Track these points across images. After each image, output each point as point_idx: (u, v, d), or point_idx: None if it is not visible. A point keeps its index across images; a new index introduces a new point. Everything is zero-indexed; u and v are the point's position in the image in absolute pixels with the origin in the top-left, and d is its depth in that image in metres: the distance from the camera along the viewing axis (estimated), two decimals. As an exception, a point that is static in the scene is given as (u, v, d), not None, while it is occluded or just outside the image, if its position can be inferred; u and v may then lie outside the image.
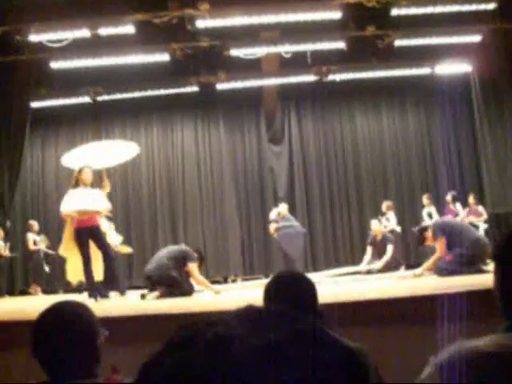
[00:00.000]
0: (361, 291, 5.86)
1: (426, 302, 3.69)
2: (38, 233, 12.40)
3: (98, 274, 7.41)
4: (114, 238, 9.91)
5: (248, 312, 0.64)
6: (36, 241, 12.21)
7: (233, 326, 0.60)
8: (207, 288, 8.18)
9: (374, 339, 3.50)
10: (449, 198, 11.88)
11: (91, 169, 7.70)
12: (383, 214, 12.14)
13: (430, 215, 11.85)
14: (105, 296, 7.34)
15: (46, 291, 12.03)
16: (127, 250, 10.81)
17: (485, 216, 11.78)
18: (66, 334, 1.80)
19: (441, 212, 11.88)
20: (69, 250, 7.58)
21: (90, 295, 7.24)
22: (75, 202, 7.46)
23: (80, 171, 7.56)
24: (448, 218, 10.49)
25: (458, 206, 11.72)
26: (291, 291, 2.01)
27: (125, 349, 3.47)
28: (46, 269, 12.22)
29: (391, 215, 12.02)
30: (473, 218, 11.58)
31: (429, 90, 13.42)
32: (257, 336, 0.58)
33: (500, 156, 12.20)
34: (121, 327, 3.68)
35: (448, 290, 4.21)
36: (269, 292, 2.06)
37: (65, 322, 1.82)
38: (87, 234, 7.39)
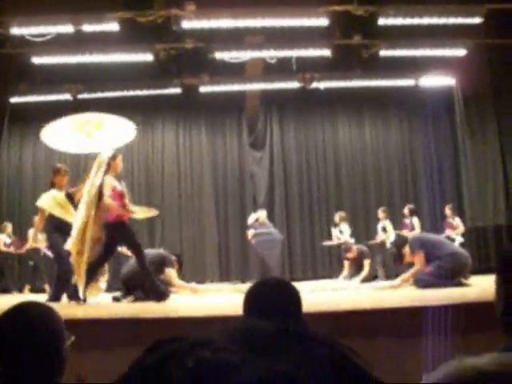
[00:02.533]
0: (342, 301, 5.77)
1: (409, 315, 3.60)
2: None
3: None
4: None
5: (240, 329, 0.53)
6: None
7: (223, 350, 0.48)
8: (185, 289, 8.13)
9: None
10: (406, 211, 11.64)
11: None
12: (336, 225, 12.07)
13: (384, 229, 11.70)
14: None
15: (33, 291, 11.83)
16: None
17: (461, 229, 11.61)
18: (28, 337, 1.66)
19: (397, 226, 11.71)
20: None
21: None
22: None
23: (114, 158, 6.97)
24: (423, 232, 10.39)
25: (415, 220, 11.48)
26: (273, 298, 1.90)
27: (94, 354, 3.35)
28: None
29: (344, 227, 11.94)
30: (448, 231, 11.45)
31: (412, 102, 13.44)
32: (258, 365, 0.46)
33: (481, 170, 12.24)
34: (90, 330, 3.55)
35: (429, 302, 4.14)
36: (249, 299, 1.95)
37: (28, 325, 1.68)
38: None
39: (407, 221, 11.51)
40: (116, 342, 3.51)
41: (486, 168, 12.25)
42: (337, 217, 12.05)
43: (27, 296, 11.02)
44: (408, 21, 10.11)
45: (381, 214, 11.84)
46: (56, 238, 7.33)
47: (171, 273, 8.04)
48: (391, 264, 10.82)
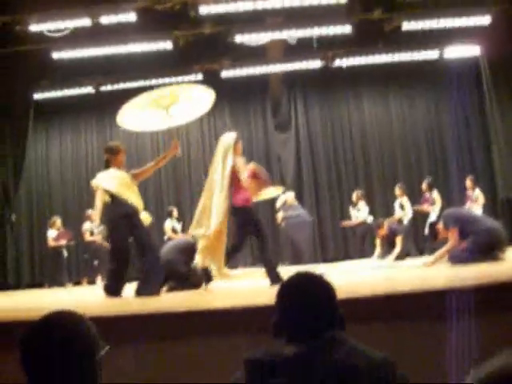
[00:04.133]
0: (372, 284, 5.70)
1: (437, 297, 3.50)
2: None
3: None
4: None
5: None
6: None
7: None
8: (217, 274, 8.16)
9: (385, 336, 3.34)
10: (424, 185, 11.31)
11: None
12: (354, 205, 11.89)
13: (401, 206, 11.45)
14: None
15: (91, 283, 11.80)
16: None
17: (481, 200, 11.16)
18: (60, 349, 1.60)
19: (417, 201, 11.46)
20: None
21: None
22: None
23: (237, 141, 6.71)
24: (457, 207, 10.17)
25: (435, 193, 11.18)
26: (307, 295, 1.84)
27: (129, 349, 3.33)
28: (95, 262, 11.83)
29: (362, 205, 11.75)
30: (468, 203, 11.05)
31: (437, 74, 13.14)
32: None
33: (511, 138, 11.97)
34: (122, 326, 3.52)
35: (462, 282, 4.05)
36: (282, 295, 1.89)
37: (59, 336, 1.62)
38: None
39: (427, 195, 11.29)
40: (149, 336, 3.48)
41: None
42: (354, 196, 11.88)
43: (84, 289, 11.11)
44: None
45: (398, 191, 11.58)
46: (121, 226, 6.48)
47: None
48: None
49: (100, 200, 6.63)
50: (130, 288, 6.62)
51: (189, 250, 7.77)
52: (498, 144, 12.17)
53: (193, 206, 13.42)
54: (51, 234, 11.89)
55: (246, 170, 6.50)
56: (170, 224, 11.44)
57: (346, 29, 10.76)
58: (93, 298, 7.36)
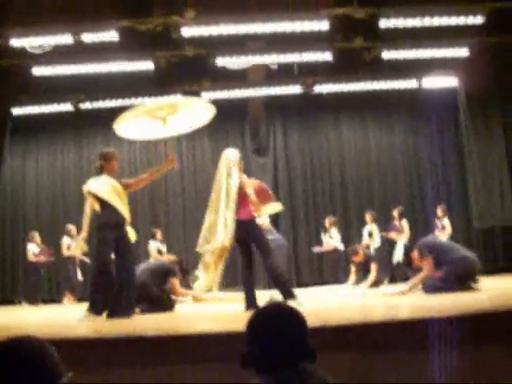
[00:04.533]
0: (347, 311, 5.67)
1: (416, 327, 3.50)
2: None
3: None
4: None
5: None
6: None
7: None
8: (186, 296, 8.19)
9: (360, 366, 3.31)
10: (395, 213, 11.47)
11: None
12: (326, 231, 11.92)
13: (370, 234, 11.51)
14: None
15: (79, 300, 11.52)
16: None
17: (448, 230, 11.33)
18: (20, 377, 1.55)
19: (384, 229, 11.58)
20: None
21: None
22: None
23: (240, 159, 6.53)
24: (431, 236, 10.22)
25: (404, 222, 11.36)
26: (277, 326, 1.81)
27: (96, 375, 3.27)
28: (80, 277, 11.75)
29: (334, 232, 11.78)
30: (437, 232, 11.13)
31: (415, 104, 13.30)
32: None
33: (487, 170, 12.11)
34: (91, 350, 3.45)
35: (438, 312, 4.05)
36: (253, 326, 1.85)
37: (20, 363, 1.57)
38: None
39: (396, 223, 11.37)
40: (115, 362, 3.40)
41: (492, 168, 12.13)
42: (326, 222, 11.92)
43: (67, 306, 10.97)
44: (409, 22, 10.03)
45: (368, 217, 11.66)
46: (109, 236, 6.19)
47: (175, 282, 8.03)
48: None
49: (89, 206, 6.35)
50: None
51: (162, 272, 7.74)
52: (474, 175, 12.29)
53: (168, 233, 13.36)
54: (32, 248, 11.74)
55: (250, 185, 6.46)
56: (154, 245, 11.36)
57: (326, 56, 10.87)
58: (65, 318, 7.25)
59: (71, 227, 11.80)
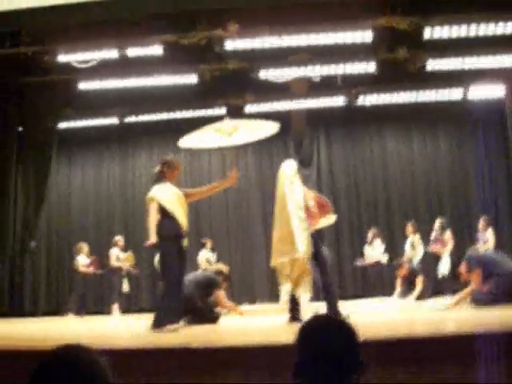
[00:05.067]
0: (392, 325, 5.58)
1: (462, 342, 3.40)
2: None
3: None
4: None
5: None
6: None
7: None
8: (234, 311, 8.24)
9: (406, 381, 3.24)
10: (437, 225, 11.15)
11: None
12: (369, 243, 11.75)
13: (413, 245, 11.25)
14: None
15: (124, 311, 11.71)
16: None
17: (492, 242, 10.81)
18: None
19: (428, 243, 11.26)
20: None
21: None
22: None
23: (297, 171, 6.75)
24: (480, 248, 10.01)
25: (448, 233, 11.06)
26: (325, 340, 1.76)
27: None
28: (126, 288, 11.87)
29: (377, 243, 11.59)
30: (480, 245, 10.73)
31: (461, 115, 13.07)
32: None
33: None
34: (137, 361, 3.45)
35: (485, 327, 3.94)
36: (302, 337, 1.82)
37: (69, 377, 1.54)
38: None
39: (438, 235, 11.10)
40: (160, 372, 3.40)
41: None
42: (370, 233, 11.78)
43: (115, 317, 11.10)
44: (455, 31, 9.85)
45: (410, 228, 11.44)
46: (173, 248, 6.09)
47: (220, 294, 8.06)
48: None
49: (153, 215, 6.11)
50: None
51: (207, 285, 7.77)
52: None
53: (214, 245, 13.34)
54: (81, 259, 11.85)
55: (311, 197, 6.46)
56: (204, 255, 11.47)
57: (370, 67, 10.77)
58: (109, 329, 7.31)
59: (119, 238, 11.97)
